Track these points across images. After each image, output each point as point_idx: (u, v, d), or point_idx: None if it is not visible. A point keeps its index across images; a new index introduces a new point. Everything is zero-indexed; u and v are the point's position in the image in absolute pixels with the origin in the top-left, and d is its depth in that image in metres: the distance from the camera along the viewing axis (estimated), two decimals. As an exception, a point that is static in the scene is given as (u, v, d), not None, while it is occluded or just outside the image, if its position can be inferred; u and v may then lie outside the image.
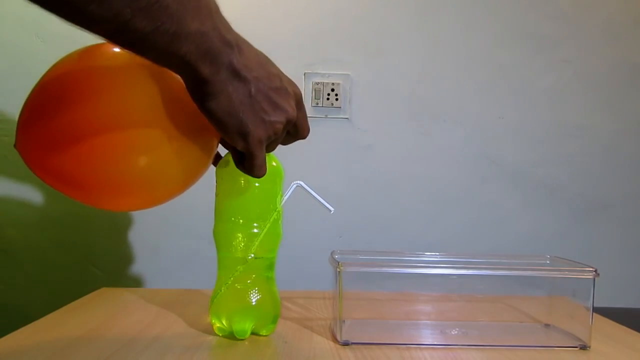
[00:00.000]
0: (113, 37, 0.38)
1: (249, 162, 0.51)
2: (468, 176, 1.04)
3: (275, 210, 0.59)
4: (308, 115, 0.99)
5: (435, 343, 0.60)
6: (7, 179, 0.97)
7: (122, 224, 0.99)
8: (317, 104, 1.00)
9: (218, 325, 0.59)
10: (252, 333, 0.60)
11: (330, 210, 0.60)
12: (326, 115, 1.01)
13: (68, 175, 0.49)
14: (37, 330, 0.60)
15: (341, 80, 1.01)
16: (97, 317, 0.66)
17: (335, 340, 0.60)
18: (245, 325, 0.58)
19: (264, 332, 0.60)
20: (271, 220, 0.58)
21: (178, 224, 0.99)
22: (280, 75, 0.52)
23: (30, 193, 0.97)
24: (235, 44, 0.46)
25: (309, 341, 0.60)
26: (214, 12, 0.43)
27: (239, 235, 0.58)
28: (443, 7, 1.02)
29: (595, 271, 0.59)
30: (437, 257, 0.70)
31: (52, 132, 0.48)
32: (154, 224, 0.99)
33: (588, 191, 1.05)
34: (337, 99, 1.00)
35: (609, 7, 1.04)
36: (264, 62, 0.50)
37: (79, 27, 0.36)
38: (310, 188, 0.60)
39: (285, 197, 0.60)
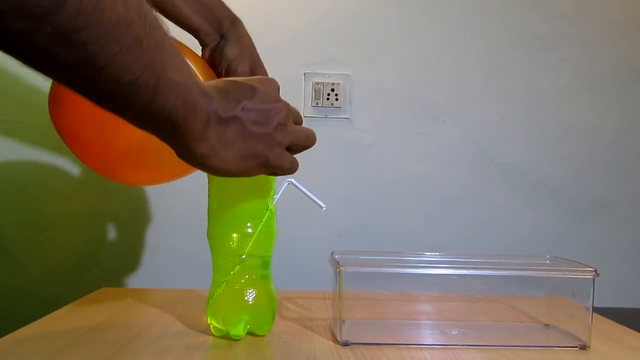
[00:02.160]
0: (86, 88, 0.34)
1: (282, 172, 0.51)
2: (468, 176, 1.04)
3: (267, 209, 0.59)
4: (308, 116, 1.00)
5: (435, 343, 0.60)
6: (7, 179, 0.97)
7: (122, 224, 0.99)
8: (317, 104, 1.00)
9: (215, 325, 0.59)
10: (249, 333, 0.60)
11: (322, 207, 0.59)
12: (326, 115, 1.01)
13: (96, 147, 0.55)
14: (37, 330, 0.60)
15: (341, 80, 1.01)
16: (97, 317, 0.66)
17: (335, 340, 0.60)
18: (240, 326, 0.58)
19: (260, 332, 0.60)
20: (264, 219, 0.58)
21: (178, 224, 0.99)
22: (249, 83, 0.49)
23: (30, 193, 0.97)
24: (209, 89, 0.44)
25: (309, 341, 0.60)
26: (186, 61, 0.40)
27: (233, 235, 0.58)
28: (443, 7, 1.02)
29: (595, 271, 0.59)
30: (437, 257, 0.70)
31: (83, 105, 0.53)
32: (154, 224, 1.00)
33: (588, 191, 1.05)
34: (337, 99, 1.00)
35: (609, 7, 1.04)
36: (233, 86, 0.48)
37: (45, 74, 0.32)
38: (306, 187, 0.60)
39: (278, 196, 0.60)
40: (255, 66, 0.62)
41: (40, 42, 0.29)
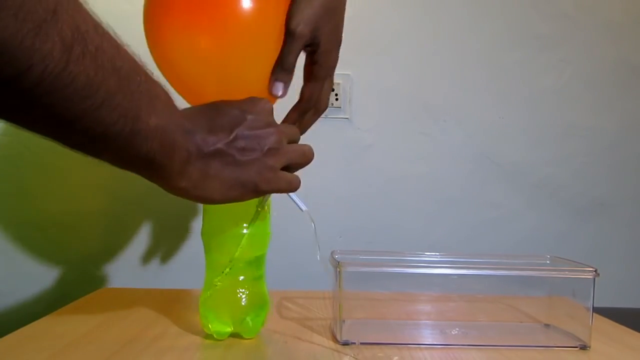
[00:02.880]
0: (57, 138, 0.34)
1: (281, 192, 0.52)
2: (468, 176, 1.04)
3: (259, 209, 0.59)
4: (308, 115, 0.99)
5: (435, 343, 0.60)
6: (7, 179, 0.97)
7: (122, 224, 0.99)
8: (317, 104, 1.00)
9: (207, 324, 0.59)
10: (236, 335, 0.60)
11: (302, 209, 0.58)
12: (326, 115, 1.00)
13: None
14: (37, 330, 0.60)
15: (341, 80, 1.01)
16: (97, 317, 0.66)
17: (335, 340, 0.60)
18: (226, 326, 0.58)
19: (248, 335, 0.60)
20: (254, 220, 0.58)
21: (178, 224, 0.99)
22: (238, 108, 0.48)
23: (30, 193, 0.97)
24: (191, 126, 0.43)
25: (309, 341, 0.60)
26: (168, 101, 0.40)
27: (227, 235, 0.58)
28: (443, 6, 1.02)
29: (595, 271, 0.60)
30: (437, 257, 0.71)
31: None
32: (154, 224, 0.99)
33: (588, 191, 1.05)
34: (337, 99, 1.00)
35: (609, 7, 1.04)
36: (219, 113, 0.47)
37: (16, 126, 0.32)
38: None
39: (268, 196, 0.59)
40: (322, 34, 0.55)
41: (4, 104, 0.29)
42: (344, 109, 1.01)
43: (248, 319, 0.59)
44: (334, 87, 1.00)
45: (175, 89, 0.55)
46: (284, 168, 0.50)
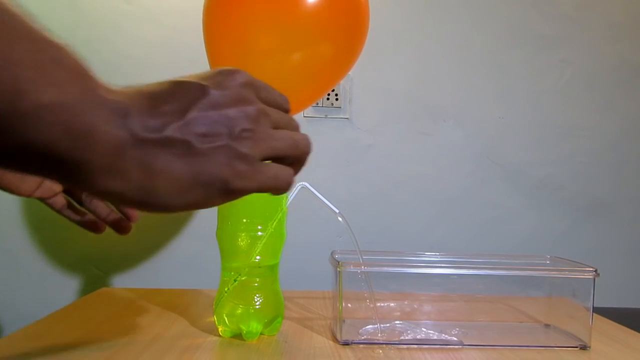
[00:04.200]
0: None
1: (270, 191, 0.36)
2: (468, 176, 1.04)
3: (280, 211, 0.59)
4: (308, 116, 0.99)
5: (435, 343, 0.60)
6: (7, 179, 0.97)
7: (122, 224, 0.99)
8: (317, 104, 1.00)
9: (223, 328, 0.59)
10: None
11: (336, 212, 0.59)
12: (326, 115, 1.01)
13: None
14: (37, 330, 0.60)
15: (341, 80, 1.01)
16: (97, 317, 0.66)
17: (335, 340, 0.60)
18: (254, 327, 0.58)
19: (268, 332, 0.61)
20: (275, 220, 0.58)
21: (178, 224, 0.99)
22: (197, 82, 0.34)
23: (30, 193, 0.97)
24: (123, 104, 0.30)
25: (309, 341, 0.60)
26: (79, 69, 0.29)
27: (243, 237, 0.58)
28: (443, 7, 1.02)
29: (595, 271, 0.59)
30: (437, 257, 0.70)
31: None
32: (154, 224, 0.99)
33: (588, 191, 1.05)
34: (337, 99, 1.00)
35: (610, 7, 1.04)
36: (170, 89, 0.33)
37: None
38: (313, 189, 0.59)
39: (290, 198, 0.60)
40: None
41: None
42: (344, 109, 1.01)
43: (270, 317, 0.59)
44: (334, 87, 1.00)
45: None
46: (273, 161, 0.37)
